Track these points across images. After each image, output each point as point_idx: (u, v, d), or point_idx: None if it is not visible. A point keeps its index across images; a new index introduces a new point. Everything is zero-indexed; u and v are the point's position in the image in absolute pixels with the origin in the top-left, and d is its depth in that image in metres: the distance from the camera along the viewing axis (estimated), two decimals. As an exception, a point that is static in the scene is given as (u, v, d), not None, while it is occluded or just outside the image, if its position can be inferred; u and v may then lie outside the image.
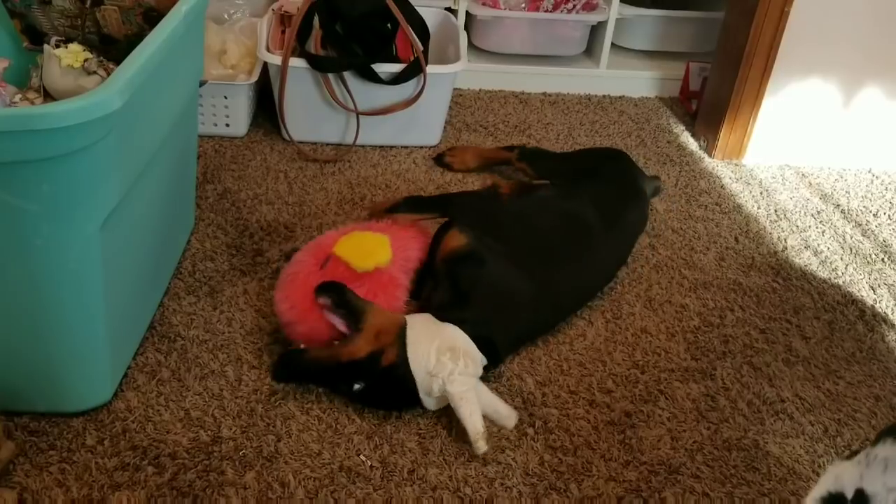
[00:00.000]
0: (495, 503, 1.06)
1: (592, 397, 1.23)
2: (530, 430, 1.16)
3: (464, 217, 1.35)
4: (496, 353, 1.20)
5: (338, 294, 1.16)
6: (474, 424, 1.08)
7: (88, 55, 1.27)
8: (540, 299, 1.29)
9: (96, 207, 0.95)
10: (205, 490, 1.04)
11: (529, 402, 1.21)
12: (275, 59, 1.74)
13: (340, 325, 1.17)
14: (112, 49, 1.32)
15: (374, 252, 1.25)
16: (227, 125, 1.83)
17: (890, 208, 1.84)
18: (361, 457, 1.10)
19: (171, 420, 1.13)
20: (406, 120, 1.84)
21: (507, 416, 1.15)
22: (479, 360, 1.16)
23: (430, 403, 1.15)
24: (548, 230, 1.38)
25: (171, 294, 1.35)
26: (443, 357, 1.11)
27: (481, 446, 1.08)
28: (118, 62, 0.99)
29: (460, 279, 1.25)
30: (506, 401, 1.20)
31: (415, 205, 1.50)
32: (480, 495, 1.06)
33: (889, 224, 1.78)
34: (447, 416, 1.17)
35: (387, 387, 1.14)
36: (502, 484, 1.08)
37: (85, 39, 1.31)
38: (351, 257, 1.23)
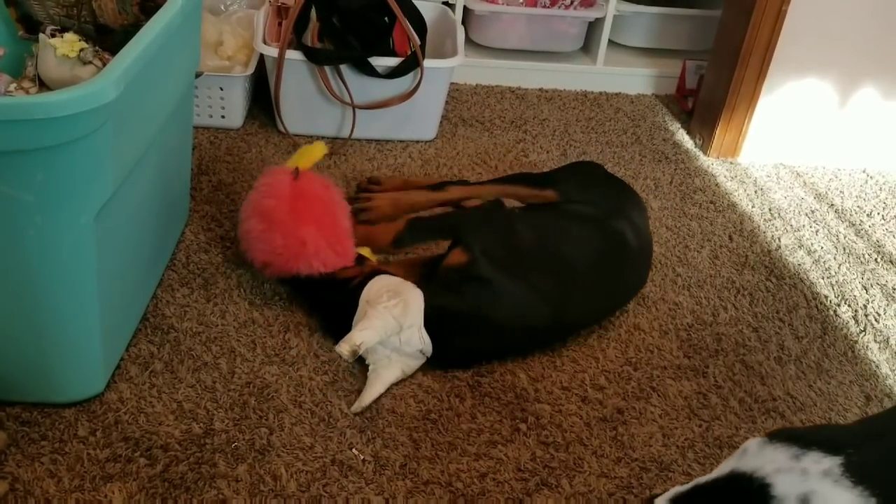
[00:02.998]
0: (487, 498, 1.06)
1: (585, 393, 1.24)
2: (522, 426, 1.17)
3: (472, 233, 1.30)
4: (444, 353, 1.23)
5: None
6: (358, 336, 1.14)
7: (84, 45, 1.27)
8: (550, 318, 1.26)
9: (90, 198, 0.95)
10: (196, 482, 1.04)
11: (522, 397, 1.21)
12: (271, 52, 1.73)
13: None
14: (108, 39, 1.31)
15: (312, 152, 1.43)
16: (223, 117, 1.82)
17: (884, 209, 1.85)
18: (353, 451, 1.10)
19: (164, 412, 1.13)
20: (402, 114, 1.83)
21: (361, 399, 1.15)
22: (416, 324, 1.19)
23: (347, 338, 1.15)
24: (568, 244, 1.33)
25: (164, 285, 1.35)
26: (384, 294, 1.21)
27: (343, 349, 1.13)
28: (114, 52, 0.99)
29: (455, 291, 1.24)
30: (498, 396, 1.21)
31: (420, 231, 1.42)
32: (472, 490, 1.07)
33: (883, 224, 1.79)
34: (440, 411, 1.17)
35: (340, 300, 1.25)
36: (494, 479, 1.09)
37: (81, 29, 1.31)
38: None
